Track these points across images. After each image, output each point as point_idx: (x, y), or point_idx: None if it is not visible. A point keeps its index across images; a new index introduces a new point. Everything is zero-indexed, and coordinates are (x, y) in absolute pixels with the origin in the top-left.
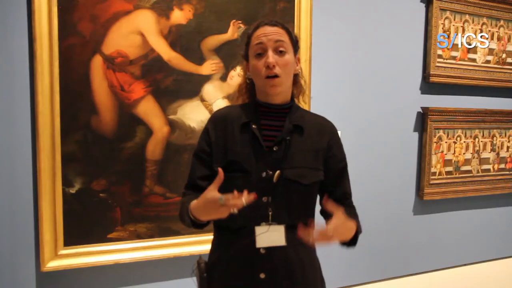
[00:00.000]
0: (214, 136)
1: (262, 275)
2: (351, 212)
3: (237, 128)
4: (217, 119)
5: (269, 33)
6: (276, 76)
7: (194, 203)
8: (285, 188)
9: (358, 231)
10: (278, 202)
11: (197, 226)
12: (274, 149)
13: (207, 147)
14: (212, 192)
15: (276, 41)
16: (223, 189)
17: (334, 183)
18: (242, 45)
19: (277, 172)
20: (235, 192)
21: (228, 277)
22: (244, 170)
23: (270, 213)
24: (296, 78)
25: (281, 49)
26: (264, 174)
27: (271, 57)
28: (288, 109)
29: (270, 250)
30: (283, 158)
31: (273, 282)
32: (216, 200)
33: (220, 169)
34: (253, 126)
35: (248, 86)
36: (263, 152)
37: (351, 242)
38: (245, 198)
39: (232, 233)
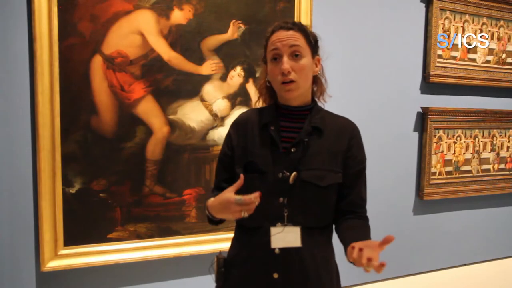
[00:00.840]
0: (235, 139)
1: (275, 275)
2: (367, 232)
3: (257, 130)
4: (239, 123)
5: (284, 38)
6: (291, 81)
7: (211, 200)
8: (301, 190)
9: None
10: (294, 203)
11: (212, 223)
12: (292, 150)
13: (228, 151)
14: (229, 193)
15: (291, 46)
16: (242, 189)
17: (351, 185)
18: (243, 45)
19: (294, 173)
20: (253, 194)
21: (243, 274)
22: (261, 171)
23: (285, 214)
24: (316, 78)
25: (296, 53)
26: (280, 175)
27: (286, 63)
28: (308, 111)
29: (284, 250)
30: (301, 159)
31: (286, 282)
32: (232, 201)
33: (241, 174)
34: (271, 127)
35: (268, 88)
36: (279, 153)
37: None
38: (256, 200)
39: (249, 232)
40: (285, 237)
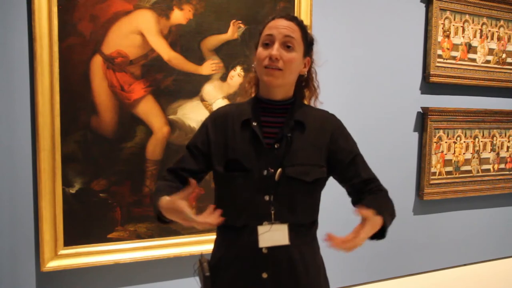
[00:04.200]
0: (213, 135)
1: (264, 275)
2: (378, 202)
3: (238, 126)
4: (217, 117)
5: (282, 26)
6: (277, 69)
7: (164, 200)
8: (287, 186)
9: (386, 223)
10: (280, 200)
11: (161, 222)
12: (276, 146)
13: (201, 145)
14: (181, 203)
15: (286, 35)
16: (224, 188)
17: (351, 175)
18: (243, 45)
19: (279, 170)
20: (206, 212)
21: (231, 276)
22: (245, 169)
23: (272, 212)
24: (307, 81)
25: (289, 44)
26: (265, 172)
27: (276, 49)
28: (289, 105)
29: (272, 249)
30: (285, 155)
31: (276, 281)
32: (184, 214)
33: (192, 180)
34: (254, 123)
35: (257, 79)
36: (263, 149)
37: (379, 236)
38: (212, 220)
39: (235, 232)
40: (273, 235)
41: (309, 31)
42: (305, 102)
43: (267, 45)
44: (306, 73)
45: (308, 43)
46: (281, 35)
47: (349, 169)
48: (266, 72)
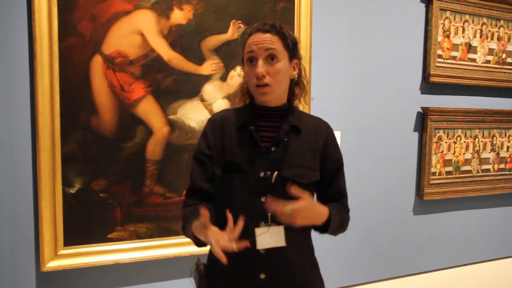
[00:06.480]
0: (212, 138)
1: (262, 276)
2: (340, 210)
3: (235, 130)
4: (215, 122)
5: (260, 41)
6: (266, 85)
7: (195, 225)
8: (283, 188)
9: (331, 222)
10: None
11: (200, 245)
12: (272, 149)
13: (206, 149)
14: (207, 230)
15: (267, 49)
16: (222, 190)
17: (329, 182)
18: (242, 45)
19: (275, 172)
20: (227, 234)
21: (228, 277)
22: (242, 171)
23: (269, 213)
24: (298, 79)
25: (272, 57)
26: (262, 174)
27: (260, 67)
28: (285, 111)
29: (270, 250)
30: (281, 158)
31: (273, 282)
32: (208, 240)
33: (203, 211)
34: (251, 127)
35: (248, 88)
36: (260, 152)
37: (322, 229)
38: (235, 245)
39: None
40: (270, 237)
41: (290, 32)
42: (296, 99)
43: (252, 62)
44: (296, 75)
45: (292, 46)
46: (262, 50)
47: (331, 175)
48: (257, 91)
